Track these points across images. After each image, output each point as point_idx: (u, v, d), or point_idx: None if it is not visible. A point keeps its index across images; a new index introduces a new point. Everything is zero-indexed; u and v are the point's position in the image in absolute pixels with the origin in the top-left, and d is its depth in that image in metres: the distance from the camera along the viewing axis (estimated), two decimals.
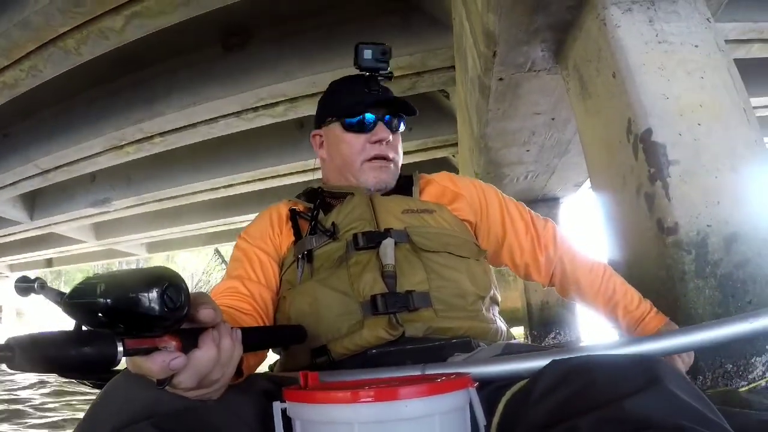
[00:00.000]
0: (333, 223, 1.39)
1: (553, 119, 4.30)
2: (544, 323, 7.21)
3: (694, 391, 0.74)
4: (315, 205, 1.46)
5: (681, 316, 2.10)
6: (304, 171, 8.85)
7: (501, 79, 3.57)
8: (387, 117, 1.52)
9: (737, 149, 2.29)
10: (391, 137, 1.51)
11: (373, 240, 1.32)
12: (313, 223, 1.40)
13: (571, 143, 4.88)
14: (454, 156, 8.22)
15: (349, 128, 1.54)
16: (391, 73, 1.58)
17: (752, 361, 1.97)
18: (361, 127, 1.52)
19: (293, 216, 1.48)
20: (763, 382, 1.97)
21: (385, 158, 1.52)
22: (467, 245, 1.41)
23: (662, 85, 2.41)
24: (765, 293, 2.09)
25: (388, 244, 1.29)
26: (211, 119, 6.75)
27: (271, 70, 5.94)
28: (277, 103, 6.34)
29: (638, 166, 2.37)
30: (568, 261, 1.55)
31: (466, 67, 4.54)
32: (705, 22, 2.60)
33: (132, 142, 7.33)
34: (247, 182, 9.42)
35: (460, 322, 1.23)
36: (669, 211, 2.18)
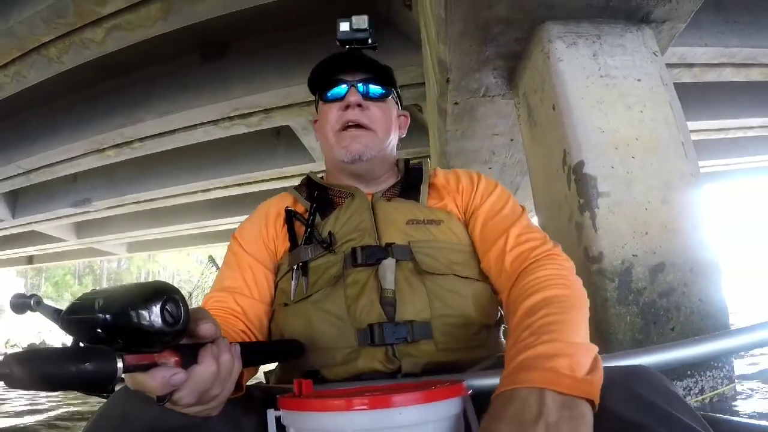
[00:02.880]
0: (330, 233, 1.29)
1: (512, 140, 4.41)
2: None
3: (680, 403, 0.75)
4: (311, 209, 1.35)
5: (602, 340, 2.23)
6: (279, 178, 8.96)
7: (456, 103, 3.69)
8: (361, 83, 1.40)
9: (672, 182, 2.39)
10: (363, 102, 1.38)
11: (372, 257, 1.22)
12: (309, 231, 1.31)
13: None
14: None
15: (325, 100, 1.44)
16: (375, 44, 1.49)
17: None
18: (335, 96, 1.42)
19: (289, 219, 1.37)
20: None
21: (357, 126, 1.38)
22: (475, 262, 1.31)
23: (599, 119, 2.50)
24: (689, 321, 2.21)
25: (388, 266, 1.19)
26: (189, 126, 6.83)
27: (247, 81, 6.04)
28: (252, 114, 6.44)
29: (571, 196, 2.47)
30: None
31: (429, 87, 4.65)
32: (651, 56, 2.71)
33: (113, 146, 7.40)
34: (225, 187, 9.50)
35: (461, 354, 1.16)
36: (595, 240, 2.28)
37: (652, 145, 2.47)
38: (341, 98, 1.40)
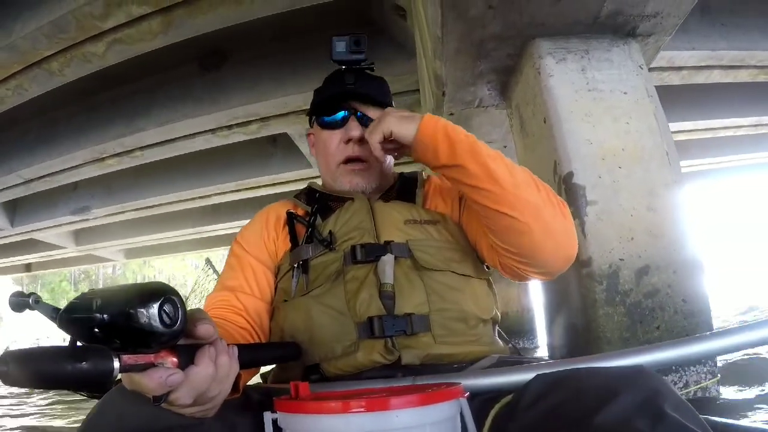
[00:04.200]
0: (330, 232, 1.32)
1: (505, 147, 4.46)
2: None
3: (681, 403, 0.74)
4: (312, 210, 1.38)
5: (592, 339, 2.32)
6: (276, 184, 9.04)
7: (452, 114, 3.79)
8: (360, 113, 1.43)
9: (656, 189, 2.47)
10: (363, 133, 1.38)
11: (371, 254, 1.24)
12: (309, 231, 1.33)
13: None
14: (423, 170, 8.39)
15: (323, 126, 1.47)
16: (372, 64, 1.48)
17: None
18: (334, 124, 1.44)
19: (290, 220, 1.40)
20: None
21: (358, 160, 1.43)
22: (471, 261, 1.33)
23: (587, 131, 2.57)
24: (673, 321, 2.30)
25: (387, 261, 1.21)
26: (189, 135, 6.88)
27: (246, 90, 6.10)
28: (250, 122, 6.51)
29: None
30: None
31: (425, 97, 4.74)
32: (637, 69, 2.78)
33: (113, 155, 7.44)
34: (222, 193, 9.57)
35: (459, 348, 1.18)
36: (584, 246, 2.36)
37: (637, 155, 2.56)
38: (340, 126, 1.44)
